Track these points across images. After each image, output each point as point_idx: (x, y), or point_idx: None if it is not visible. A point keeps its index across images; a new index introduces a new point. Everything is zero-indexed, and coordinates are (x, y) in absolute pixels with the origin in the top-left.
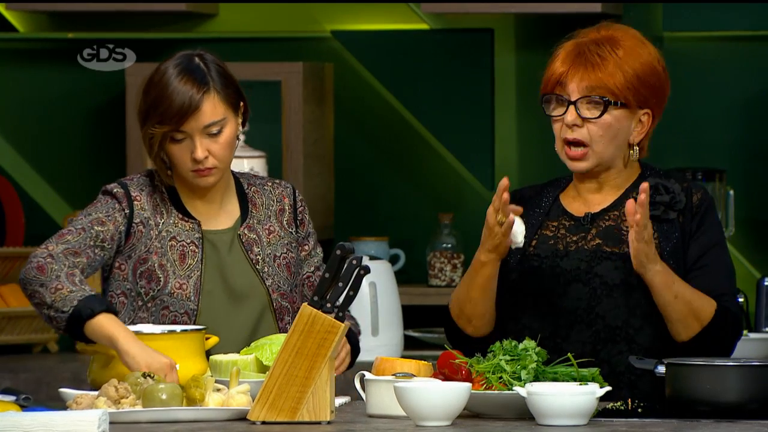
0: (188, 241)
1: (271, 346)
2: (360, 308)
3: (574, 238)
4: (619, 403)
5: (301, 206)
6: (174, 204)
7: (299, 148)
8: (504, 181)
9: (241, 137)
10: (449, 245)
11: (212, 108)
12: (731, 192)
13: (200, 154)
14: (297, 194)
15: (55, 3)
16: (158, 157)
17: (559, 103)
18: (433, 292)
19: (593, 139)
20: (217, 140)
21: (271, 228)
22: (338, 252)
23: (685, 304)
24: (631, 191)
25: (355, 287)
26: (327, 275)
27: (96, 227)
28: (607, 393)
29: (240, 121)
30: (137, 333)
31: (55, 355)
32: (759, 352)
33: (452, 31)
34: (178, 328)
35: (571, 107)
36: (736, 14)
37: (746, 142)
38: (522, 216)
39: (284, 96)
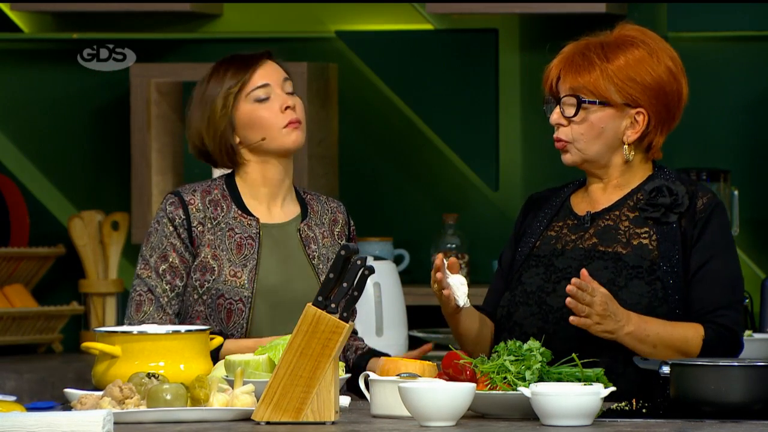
0: (246, 235)
1: (285, 346)
2: (364, 308)
3: (573, 237)
4: (623, 404)
5: (353, 224)
6: (234, 201)
7: (304, 149)
8: (437, 260)
9: None
10: (454, 245)
11: (281, 68)
12: (736, 192)
13: (290, 100)
14: (348, 212)
15: (59, 3)
16: (226, 137)
17: (552, 104)
18: None
19: (575, 137)
20: (294, 99)
21: (325, 233)
22: (342, 252)
23: (667, 348)
24: (637, 192)
25: (360, 287)
26: (331, 275)
27: (165, 279)
28: (611, 393)
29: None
30: (141, 333)
31: (60, 355)
32: (764, 352)
33: (457, 32)
34: (182, 328)
35: (557, 107)
36: (741, 14)
37: (751, 142)
38: (528, 222)
39: None
